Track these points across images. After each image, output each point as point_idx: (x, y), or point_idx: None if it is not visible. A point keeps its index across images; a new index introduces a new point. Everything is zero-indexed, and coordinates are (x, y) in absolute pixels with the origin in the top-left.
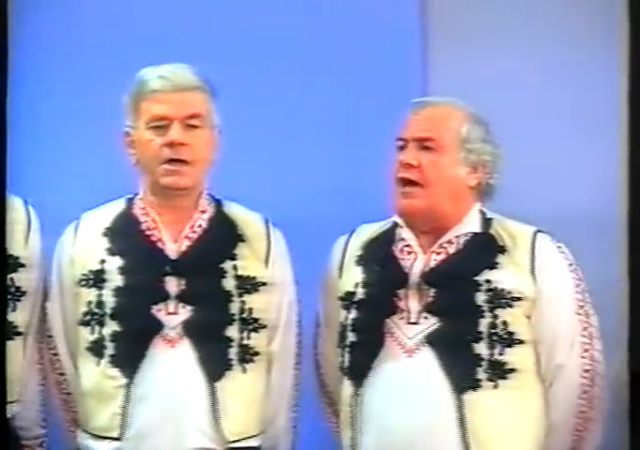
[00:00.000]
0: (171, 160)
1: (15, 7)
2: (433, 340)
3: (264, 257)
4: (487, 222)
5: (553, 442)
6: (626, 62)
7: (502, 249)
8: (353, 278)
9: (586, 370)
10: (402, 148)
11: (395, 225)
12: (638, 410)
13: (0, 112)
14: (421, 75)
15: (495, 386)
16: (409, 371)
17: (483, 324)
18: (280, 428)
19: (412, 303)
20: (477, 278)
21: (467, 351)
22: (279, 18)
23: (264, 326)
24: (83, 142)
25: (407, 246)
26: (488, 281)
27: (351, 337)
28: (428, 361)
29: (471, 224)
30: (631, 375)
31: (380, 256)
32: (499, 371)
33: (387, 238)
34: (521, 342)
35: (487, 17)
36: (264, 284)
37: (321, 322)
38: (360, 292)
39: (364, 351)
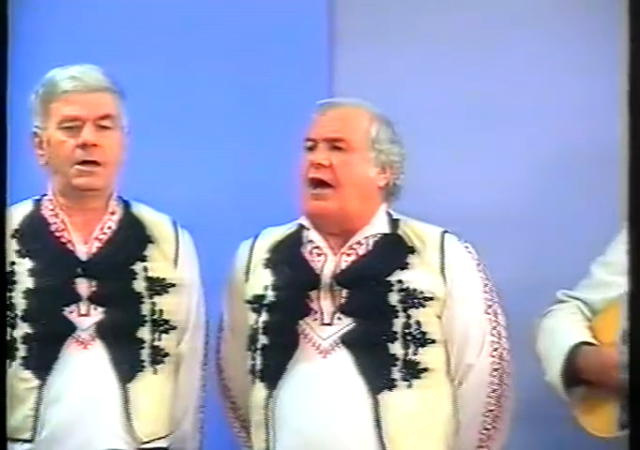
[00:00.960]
0: (84, 162)
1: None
2: (347, 341)
3: (173, 258)
4: (394, 223)
5: (461, 440)
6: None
7: (412, 250)
8: (262, 281)
9: (495, 369)
10: (311, 149)
11: (301, 227)
12: (638, 410)
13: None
14: (328, 75)
15: (409, 386)
16: (324, 372)
17: (397, 324)
18: (187, 429)
19: (325, 304)
20: (389, 279)
21: (382, 351)
22: (183, 18)
23: (174, 327)
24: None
25: (316, 247)
26: (400, 282)
27: (263, 339)
28: (343, 361)
29: (379, 225)
30: (631, 374)
31: (289, 258)
32: (413, 371)
33: (294, 241)
34: (433, 342)
35: (394, 18)
36: (173, 285)
37: (225, 325)
38: (271, 295)
39: (277, 353)
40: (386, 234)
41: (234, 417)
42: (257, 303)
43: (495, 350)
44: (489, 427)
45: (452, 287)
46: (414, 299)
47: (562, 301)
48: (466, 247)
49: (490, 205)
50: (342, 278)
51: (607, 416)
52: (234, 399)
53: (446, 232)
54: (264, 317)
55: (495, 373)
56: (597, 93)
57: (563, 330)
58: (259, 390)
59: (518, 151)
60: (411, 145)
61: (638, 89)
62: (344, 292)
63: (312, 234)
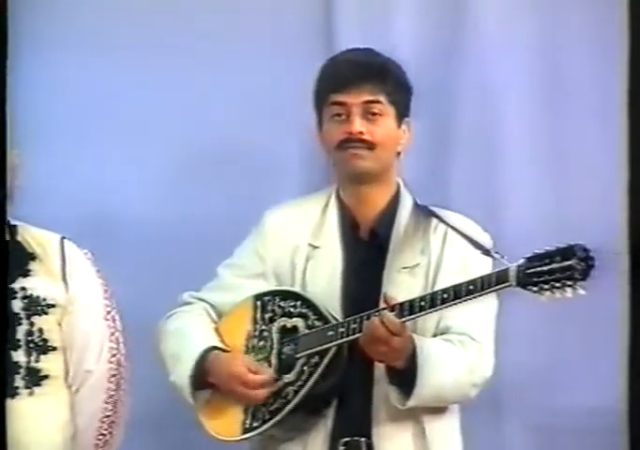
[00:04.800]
0: None
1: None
2: None
3: None
4: (12, 229)
5: (77, 446)
6: None
7: (32, 257)
8: None
9: (113, 375)
10: None
11: None
12: (638, 410)
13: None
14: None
15: (31, 393)
16: None
17: (21, 332)
18: None
19: None
20: (12, 286)
21: (6, 358)
22: None
23: None
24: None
25: None
26: (23, 289)
27: None
28: None
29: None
30: (631, 374)
31: None
32: (35, 378)
33: None
34: (54, 349)
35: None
36: None
37: None
38: None
39: None
40: (6, 241)
41: None
42: None
43: (114, 356)
44: (105, 432)
45: (74, 294)
46: (37, 306)
47: (188, 303)
48: (85, 254)
49: (115, 208)
50: None
51: (231, 420)
52: None
53: (64, 238)
54: None
55: (112, 379)
56: (235, 96)
57: (191, 332)
58: None
59: (153, 153)
60: (32, 148)
61: (637, 90)
62: None
63: None
